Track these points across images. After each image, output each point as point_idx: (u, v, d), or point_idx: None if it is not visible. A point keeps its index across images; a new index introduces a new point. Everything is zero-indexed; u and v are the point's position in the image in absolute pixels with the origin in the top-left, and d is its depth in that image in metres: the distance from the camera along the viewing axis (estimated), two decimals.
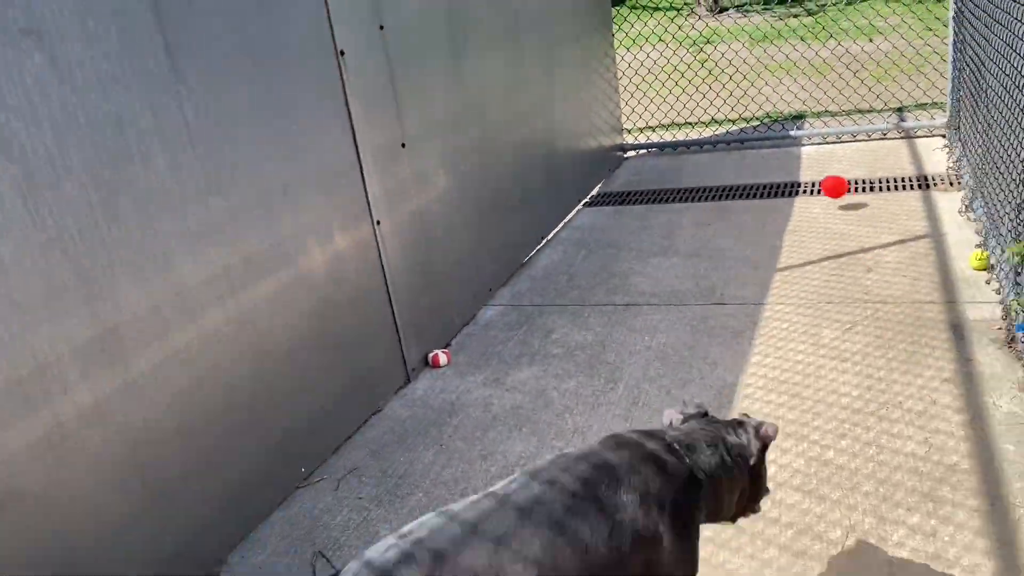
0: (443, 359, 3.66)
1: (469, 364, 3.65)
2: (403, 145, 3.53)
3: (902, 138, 6.16)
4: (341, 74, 3.12)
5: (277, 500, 2.79)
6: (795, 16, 12.13)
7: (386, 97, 3.41)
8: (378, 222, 3.35)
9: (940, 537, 2.22)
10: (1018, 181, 3.15)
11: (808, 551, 2.25)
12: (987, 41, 4.03)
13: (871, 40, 8.00)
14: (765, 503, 2.26)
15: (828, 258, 4.20)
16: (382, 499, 2.76)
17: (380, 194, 3.36)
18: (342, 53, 3.12)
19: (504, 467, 2.83)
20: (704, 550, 2.29)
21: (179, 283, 2.38)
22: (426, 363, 3.68)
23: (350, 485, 2.86)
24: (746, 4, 14.38)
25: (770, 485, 2.44)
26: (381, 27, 3.37)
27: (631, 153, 6.92)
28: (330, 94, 3.07)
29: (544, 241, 5.11)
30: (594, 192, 6.02)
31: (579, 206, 5.74)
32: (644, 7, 12.14)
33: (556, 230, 5.29)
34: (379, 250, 3.36)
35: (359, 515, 2.69)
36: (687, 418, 1.96)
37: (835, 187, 4.87)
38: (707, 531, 2.37)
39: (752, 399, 3.02)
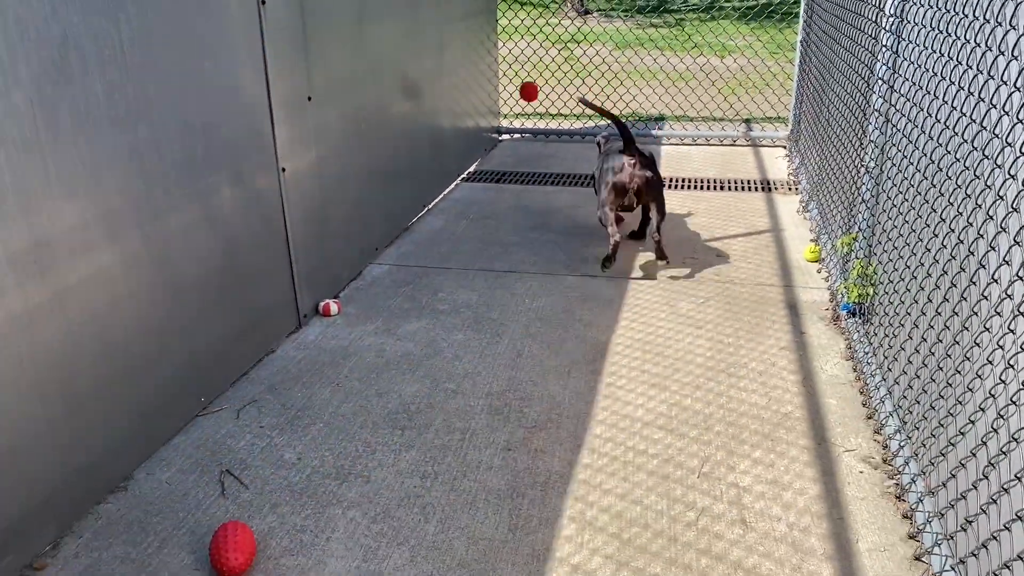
0: (334, 308, 3.82)
1: (359, 315, 3.82)
2: (309, 98, 3.65)
3: (749, 146, 6.83)
4: (261, 22, 3.21)
5: (178, 426, 2.88)
6: (656, 26, 12.90)
7: (298, 50, 3.52)
8: (283, 169, 3.46)
9: (777, 467, 2.66)
10: (849, 185, 3.70)
11: (671, 476, 2.63)
12: (831, 63, 4.62)
13: (727, 55, 8.73)
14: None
15: (685, 242, 4.68)
16: (284, 427, 2.91)
17: (286, 142, 3.48)
18: (263, 2, 3.21)
19: (400, 404, 3.05)
20: (584, 473, 2.63)
21: (106, 204, 2.44)
22: (316, 311, 3.82)
23: (250, 415, 2.99)
24: (612, 9, 15.08)
25: (637, 425, 2.82)
26: None
27: (505, 136, 7.24)
28: (249, 40, 3.16)
29: (426, 209, 5.32)
30: (471, 169, 6.29)
31: (458, 180, 5.99)
32: (516, 1, 12.48)
33: (437, 200, 5.52)
34: (282, 197, 3.47)
35: (263, 440, 2.83)
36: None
37: (531, 92, 6.52)
38: (586, 459, 2.70)
39: (622, 355, 3.40)
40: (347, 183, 4.09)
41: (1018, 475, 1.72)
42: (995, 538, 1.85)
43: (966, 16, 2.28)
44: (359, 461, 2.72)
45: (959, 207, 2.25)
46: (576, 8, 14.94)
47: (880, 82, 3.17)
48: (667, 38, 9.90)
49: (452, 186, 5.85)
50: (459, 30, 5.77)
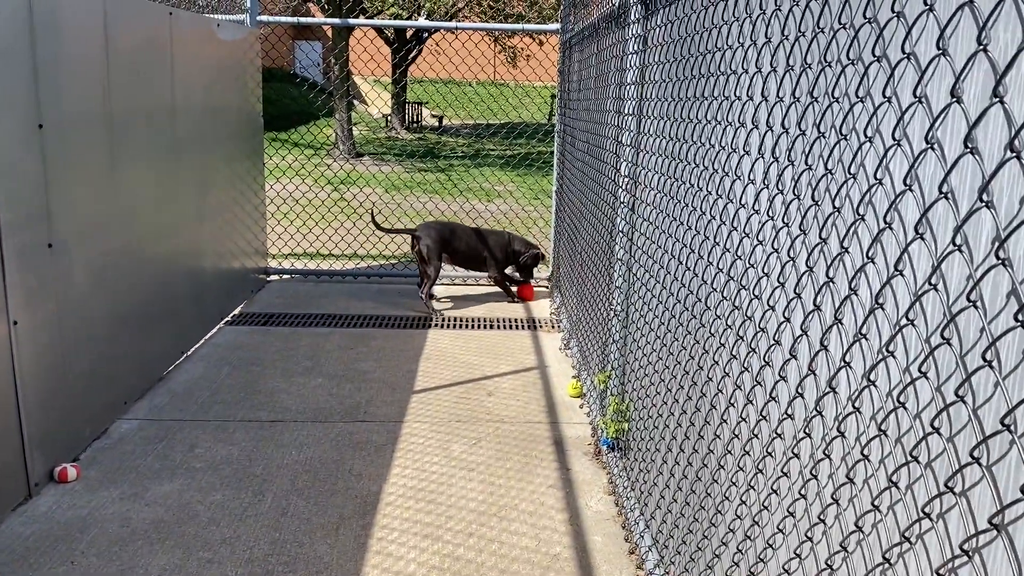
0: (72, 473, 3.43)
1: (102, 479, 3.46)
2: (50, 246, 3.39)
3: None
4: None
5: None
6: (425, 171, 13.47)
7: (38, 195, 3.29)
8: (15, 322, 3.14)
9: None
10: (602, 325, 3.97)
11: None
12: (580, 213, 5.03)
13: (492, 200, 9.24)
14: None
15: (457, 383, 4.75)
16: None
17: (21, 294, 3.18)
18: None
19: None
20: None
21: None
22: (51, 478, 3.41)
23: None
24: (383, 153, 15.58)
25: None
26: (40, 126, 3.29)
27: (274, 277, 7.09)
28: None
29: (184, 356, 5.02)
30: (236, 311, 6.06)
31: (221, 324, 5.74)
32: (283, 141, 12.56)
33: (197, 346, 5.23)
34: (12, 352, 3.14)
35: None
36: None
37: (527, 293, 6.64)
38: None
39: (394, 506, 3.32)
40: (92, 333, 3.78)
41: None
42: None
43: (685, 183, 2.59)
44: None
45: (691, 351, 2.48)
46: (347, 151, 15.29)
47: (620, 234, 3.49)
48: (435, 183, 10.34)
49: (215, 330, 5.59)
50: (223, 172, 5.69)
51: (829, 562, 1.56)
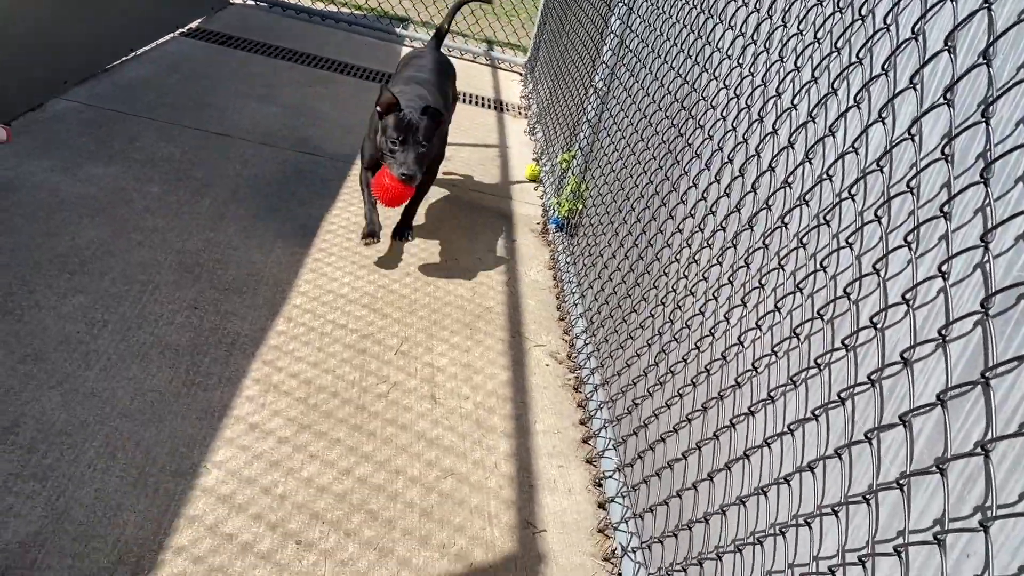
0: (2, 134, 3.25)
1: (34, 148, 3.29)
2: None
3: (488, 66, 6.88)
4: None
5: None
6: None
7: None
8: None
9: (472, 352, 2.72)
10: (577, 105, 3.85)
11: (368, 351, 2.58)
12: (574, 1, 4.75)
13: None
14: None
15: None
16: None
17: None
18: None
19: (73, 247, 2.68)
20: (276, 339, 2.50)
21: None
22: None
23: None
24: None
25: (340, 302, 2.74)
26: None
27: (237, 1, 6.61)
28: None
29: (133, 55, 4.71)
30: (193, 25, 5.67)
31: (175, 33, 5.37)
32: None
33: (147, 48, 4.90)
34: None
35: None
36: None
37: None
38: (281, 326, 2.57)
39: (335, 235, 3.27)
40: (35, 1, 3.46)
41: (671, 369, 1.89)
42: (648, 424, 2.03)
43: None
44: (12, 299, 2.34)
45: (663, 135, 2.40)
46: None
47: (620, 4, 3.29)
48: None
49: (168, 38, 5.23)
50: None
51: (732, 350, 1.58)
